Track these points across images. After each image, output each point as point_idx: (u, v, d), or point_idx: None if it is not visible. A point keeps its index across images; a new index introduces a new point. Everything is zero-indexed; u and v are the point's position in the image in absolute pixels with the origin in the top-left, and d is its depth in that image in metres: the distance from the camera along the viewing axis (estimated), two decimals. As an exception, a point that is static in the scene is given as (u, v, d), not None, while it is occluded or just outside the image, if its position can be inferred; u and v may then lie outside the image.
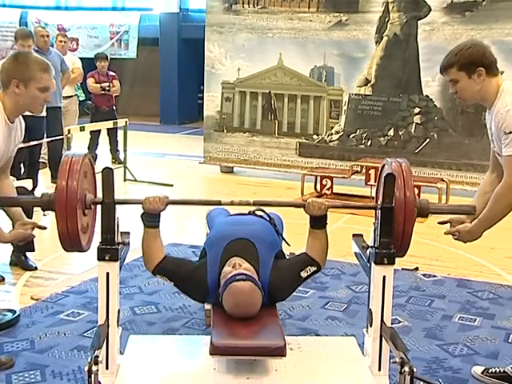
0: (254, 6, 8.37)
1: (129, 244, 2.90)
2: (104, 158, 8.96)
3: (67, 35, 9.38)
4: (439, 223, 3.02)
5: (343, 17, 7.91)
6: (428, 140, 7.63)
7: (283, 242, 3.34)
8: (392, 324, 2.76)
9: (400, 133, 7.77)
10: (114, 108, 9.24)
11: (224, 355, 2.68)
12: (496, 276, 4.78)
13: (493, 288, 4.46)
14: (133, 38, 14.52)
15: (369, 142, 7.95)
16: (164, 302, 4.09)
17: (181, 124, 14.24)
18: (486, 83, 2.81)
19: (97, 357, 2.29)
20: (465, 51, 2.80)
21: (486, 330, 3.76)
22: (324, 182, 7.22)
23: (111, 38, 14.64)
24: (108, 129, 8.86)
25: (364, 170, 7.03)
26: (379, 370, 2.73)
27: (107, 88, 8.98)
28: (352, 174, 7.24)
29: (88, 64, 9.45)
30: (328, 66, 8.07)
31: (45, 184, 7.07)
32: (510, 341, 3.63)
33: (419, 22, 7.52)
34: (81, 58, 9.04)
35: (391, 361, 2.60)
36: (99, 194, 2.74)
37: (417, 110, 7.67)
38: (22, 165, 6.75)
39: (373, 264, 2.69)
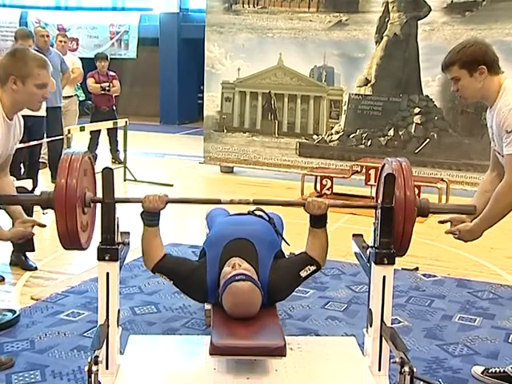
0: (254, 6, 8.37)
1: (129, 244, 2.90)
2: (104, 158, 8.96)
3: (67, 35, 9.37)
4: (439, 222, 3.02)
5: (343, 17, 7.91)
6: (428, 140, 7.63)
7: (283, 241, 3.34)
8: (392, 324, 2.76)
9: (400, 133, 7.77)
10: (114, 108, 9.24)
11: (224, 355, 2.68)
12: (496, 276, 4.78)
13: (493, 288, 4.46)
14: (133, 37, 14.53)
15: (369, 142, 7.95)
16: (164, 302, 4.09)
17: (181, 124, 14.24)
18: (488, 81, 2.80)
19: (97, 357, 2.29)
20: (467, 49, 2.79)
21: (485, 330, 3.76)
22: (324, 182, 7.23)
23: (111, 38, 14.64)
24: (108, 129, 8.86)
25: (364, 170, 7.04)
26: (379, 370, 2.73)
27: (107, 88, 8.98)
28: (352, 174, 7.24)
29: (88, 64, 9.45)
30: (328, 66, 8.07)
31: (45, 184, 7.07)
32: (510, 341, 3.63)
33: (419, 22, 7.52)
34: (81, 58, 9.05)
35: (391, 361, 2.60)
36: (99, 193, 2.74)
37: (417, 109, 7.67)
38: (22, 165, 6.74)
39: (373, 264, 2.69)
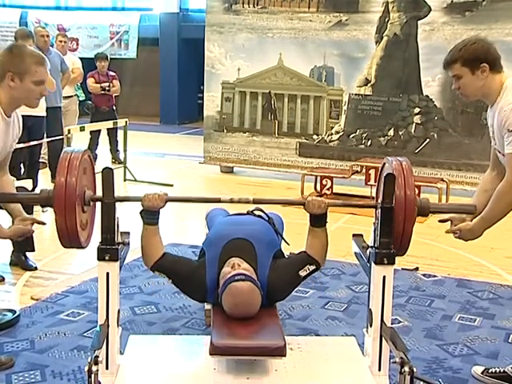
0: (254, 6, 8.37)
1: (129, 244, 2.90)
2: (104, 158, 8.96)
3: (67, 35, 9.37)
4: (439, 221, 3.01)
5: (343, 17, 7.91)
6: (428, 140, 7.63)
7: (283, 241, 3.35)
8: (392, 324, 2.76)
9: (400, 133, 7.77)
10: (114, 108, 9.24)
11: (224, 355, 2.68)
12: (496, 276, 4.78)
13: (493, 288, 4.46)
14: (133, 38, 14.53)
15: (369, 142, 7.95)
16: (164, 302, 4.09)
17: (181, 124, 14.24)
18: (490, 80, 2.79)
19: (97, 357, 2.29)
20: (469, 47, 2.78)
21: (486, 330, 3.76)
22: (324, 182, 7.23)
23: (111, 38, 14.65)
24: (108, 129, 8.86)
25: (364, 170, 7.04)
26: (379, 370, 2.73)
27: (107, 88, 8.98)
28: (352, 174, 7.24)
29: (88, 64, 9.45)
30: (328, 66, 8.07)
31: (45, 184, 7.06)
32: (510, 341, 3.63)
33: (419, 22, 7.52)
34: (81, 58, 9.04)
35: (391, 361, 2.60)
36: (99, 191, 2.74)
37: (417, 109, 7.67)
38: (22, 165, 6.74)
39: (373, 264, 2.69)
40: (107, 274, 2.63)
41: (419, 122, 7.65)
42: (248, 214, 3.40)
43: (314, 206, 2.86)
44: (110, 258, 2.62)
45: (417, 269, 4.80)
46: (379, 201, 2.75)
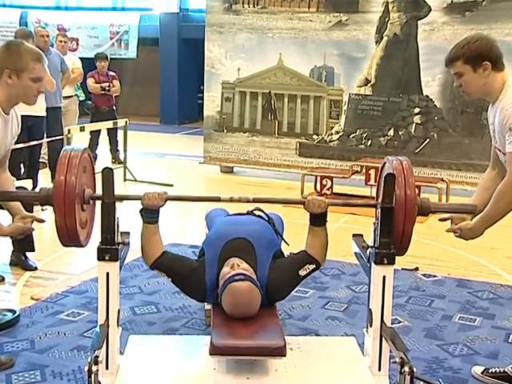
0: (254, 6, 8.37)
1: (129, 244, 2.90)
2: (104, 158, 8.96)
3: (67, 35, 9.37)
4: (440, 220, 3.00)
5: (343, 17, 7.91)
6: (428, 140, 7.63)
7: (283, 241, 3.34)
8: (392, 324, 2.76)
9: (400, 133, 7.77)
10: (114, 108, 9.24)
11: (224, 355, 2.68)
12: (496, 276, 4.78)
13: (493, 288, 4.45)
14: (133, 38, 14.53)
15: (369, 142, 7.95)
16: (164, 302, 4.09)
17: (181, 124, 14.24)
18: (491, 78, 2.78)
19: (97, 357, 2.28)
20: (471, 44, 2.77)
21: (486, 330, 3.76)
22: (324, 182, 7.23)
23: (111, 38, 14.65)
24: (108, 129, 8.86)
25: (364, 170, 7.04)
26: (379, 369, 2.73)
27: (107, 88, 8.98)
28: (352, 174, 7.25)
29: (88, 64, 9.45)
30: (328, 66, 8.07)
31: (45, 184, 7.04)
32: (510, 341, 3.62)
33: (419, 22, 7.52)
34: (81, 58, 9.04)
35: (391, 361, 2.60)
36: (98, 190, 2.74)
37: (417, 110, 7.67)
38: (22, 165, 6.74)
39: (373, 264, 2.69)
40: (107, 274, 2.63)
41: (419, 122, 7.65)
42: (248, 214, 3.40)
43: (314, 205, 2.86)
44: (110, 258, 2.62)
45: (417, 269, 4.80)
46: (379, 200, 2.75)
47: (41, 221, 3.08)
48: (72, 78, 7.97)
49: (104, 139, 9.11)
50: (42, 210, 5.02)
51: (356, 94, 7.98)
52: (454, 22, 7.34)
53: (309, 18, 8.07)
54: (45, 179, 7.27)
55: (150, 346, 3.03)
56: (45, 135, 6.89)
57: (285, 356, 2.66)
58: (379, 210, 2.70)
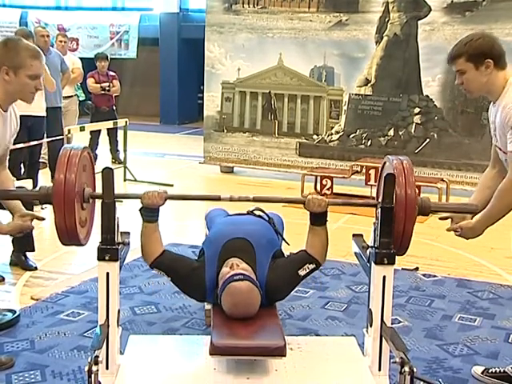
0: (254, 6, 8.37)
1: (129, 244, 2.90)
2: (104, 158, 8.96)
3: (67, 35, 9.36)
4: (440, 219, 3.00)
5: (343, 17, 7.91)
6: (428, 140, 7.63)
7: (283, 241, 3.34)
8: (392, 324, 2.76)
9: (400, 133, 7.77)
10: (114, 108, 9.24)
11: (224, 355, 2.68)
12: (496, 276, 4.78)
13: (493, 288, 4.45)
14: (133, 38, 14.53)
15: (369, 142, 7.95)
16: (164, 302, 4.09)
17: (181, 124, 14.24)
18: (493, 76, 2.77)
19: (97, 357, 2.28)
20: (474, 42, 2.76)
21: (486, 330, 3.76)
22: (324, 182, 7.23)
23: (111, 38, 14.65)
24: (108, 129, 8.86)
25: (364, 170, 7.04)
26: (379, 369, 2.73)
27: (107, 88, 8.98)
28: (352, 174, 7.25)
29: (88, 64, 9.44)
30: (328, 66, 8.07)
31: (45, 184, 7.06)
32: (510, 341, 3.62)
33: (419, 22, 7.52)
34: (81, 58, 9.04)
35: (391, 361, 2.60)
36: (98, 188, 2.73)
37: (417, 110, 7.67)
38: (22, 165, 6.74)
39: (373, 264, 2.69)
40: (107, 274, 2.63)
41: (419, 121, 7.65)
42: (248, 214, 3.40)
43: (314, 204, 2.86)
44: (110, 258, 2.62)
45: (417, 269, 4.80)
46: (379, 200, 2.75)
47: (41, 219, 3.08)
48: (72, 78, 7.97)
49: (104, 139, 9.11)
50: (42, 208, 5.01)
51: (356, 94, 7.97)
52: (454, 22, 7.34)
53: (309, 18, 8.07)
54: (45, 179, 7.27)
55: (150, 345, 3.03)
56: (45, 135, 6.89)
57: (285, 356, 2.65)
58: (379, 209, 2.70)
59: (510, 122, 2.70)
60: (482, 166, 6.56)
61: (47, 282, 4.44)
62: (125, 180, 7.87)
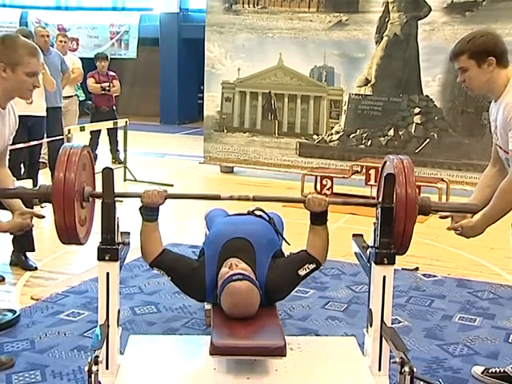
0: (254, 6, 8.37)
1: (129, 244, 2.90)
2: (104, 158, 8.96)
3: (67, 35, 9.36)
4: (440, 217, 2.99)
5: (343, 17, 7.91)
6: (428, 140, 7.63)
7: (283, 241, 3.34)
8: (392, 324, 2.76)
9: (400, 133, 7.77)
10: (114, 108, 9.24)
11: (224, 355, 2.68)
12: (496, 276, 4.77)
13: (493, 288, 4.45)
14: (133, 38, 14.53)
15: (369, 142, 7.95)
16: (164, 302, 4.09)
17: (181, 124, 14.24)
18: (496, 74, 2.76)
19: (97, 357, 2.28)
20: (477, 39, 2.75)
21: (485, 330, 3.76)
22: (324, 182, 7.23)
23: (111, 38, 14.65)
24: (108, 129, 8.86)
25: (364, 170, 7.04)
26: (379, 369, 2.73)
27: (107, 88, 8.98)
28: (352, 174, 7.25)
29: (88, 64, 9.44)
30: (328, 66, 8.07)
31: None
32: (510, 341, 3.62)
33: (419, 22, 7.52)
34: (81, 58, 9.04)
35: (391, 361, 2.60)
36: (98, 187, 2.73)
37: (417, 110, 7.67)
38: (22, 165, 6.74)
39: (373, 264, 2.69)
40: (107, 273, 2.63)
41: (419, 121, 7.65)
42: (248, 213, 3.40)
43: (314, 204, 2.85)
44: (110, 258, 2.62)
45: (417, 269, 4.80)
46: (379, 200, 2.75)
47: (40, 216, 3.07)
48: (72, 78, 7.96)
49: (104, 139, 9.11)
50: (42, 207, 5.01)
51: (356, 94, 7.97)
52: (454, 22, 7.34)
53: (309, 18, 8.07)
54: (45, 179, 7.26)
55: (150, 345, 3.03)
56: (45, 135, 6.89)
57: (285, 356, 2.66)
58: (379, 209, 2.70)
59: None
60: (482, 166, 6.54)
61: (47, 282, 4.44)
62: (125, 180, 7.87)
